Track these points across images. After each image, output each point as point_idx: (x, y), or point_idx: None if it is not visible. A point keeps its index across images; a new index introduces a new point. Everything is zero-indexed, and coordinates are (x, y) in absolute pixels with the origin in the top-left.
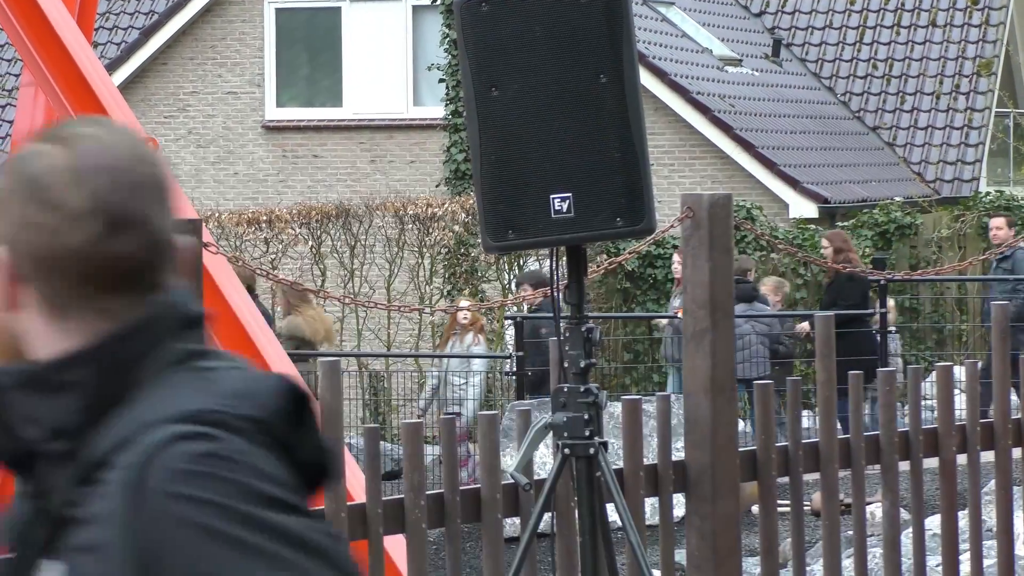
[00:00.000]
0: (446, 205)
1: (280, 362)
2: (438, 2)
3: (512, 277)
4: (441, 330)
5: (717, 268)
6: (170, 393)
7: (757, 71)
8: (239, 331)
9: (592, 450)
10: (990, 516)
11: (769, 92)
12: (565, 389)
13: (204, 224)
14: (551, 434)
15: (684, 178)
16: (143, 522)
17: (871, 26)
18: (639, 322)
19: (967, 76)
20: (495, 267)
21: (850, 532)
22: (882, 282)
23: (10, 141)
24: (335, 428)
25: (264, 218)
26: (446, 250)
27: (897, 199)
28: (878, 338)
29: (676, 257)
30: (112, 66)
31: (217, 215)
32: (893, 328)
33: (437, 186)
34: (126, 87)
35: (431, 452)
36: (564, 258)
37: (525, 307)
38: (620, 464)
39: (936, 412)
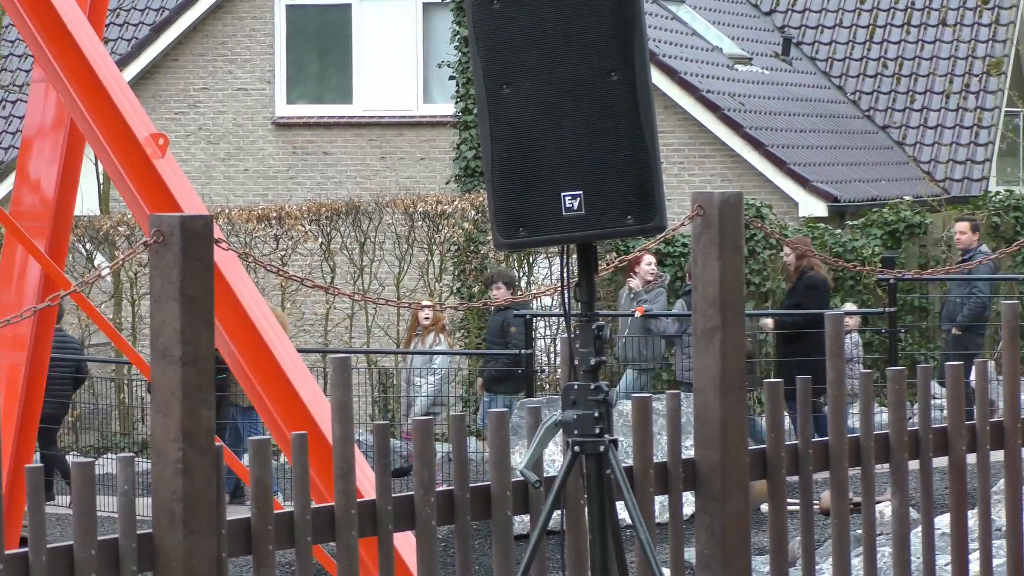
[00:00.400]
0: (456, 202)
1: (290, 358)
2: None
3: (522, 274)
4: (451, 327)
5: (727, 266)
6: None
7: (767, 70)
8: (248, 327)
9: (602, 448)
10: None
11: (779, 91)
12: (575, 387)
13: (215, 220)
14: (561, 432)
15: (694, 176)
16: None
17: (881, 25)
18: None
19: (977, 75)
20: (504, 264)
21: (859, 531)
22: (891, 281)
23: (21, 137)
24: (345, 424)
25: (274, 215)
26: (456, 247)
27: (907, 198)
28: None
29: (648, 258)
30: (123, 62)
31: (227, 212)
32: (854, 333)
33: (447, 183)
34: (137, 83)
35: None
36: (575, 256)
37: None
38: (630, 462)
39: (945, 411)
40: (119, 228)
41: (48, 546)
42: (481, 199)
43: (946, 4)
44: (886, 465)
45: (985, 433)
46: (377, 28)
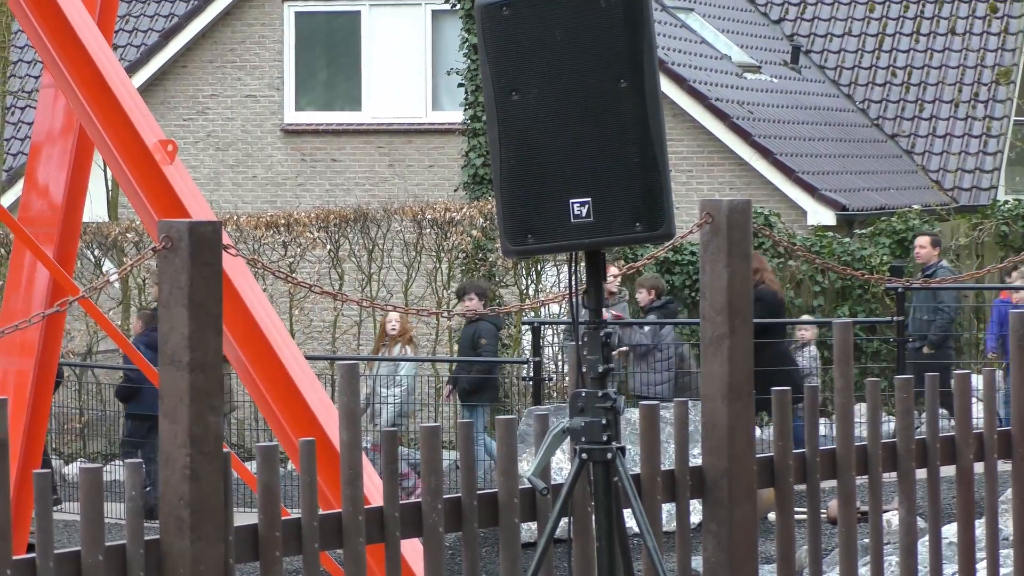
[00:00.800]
0: (464, 209)
1: (297, 364)
2: (457, 7)
3: (530, 281)
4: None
5: (735, 274)
6: None
7: (776, 78)
8: (256, 333)
9: (610, 455)
10: (1007, 525)
11: (788, 99)
12: (583, 394)
13: (223, 227)
14: (568, 439)
15: (702, 184)
16: None
17: (890, 33)
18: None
19: (986, 84)
20: (513, 272)
21: (866, 540)
22: (900, 289)
23: (30, 143)
24: (353, 430)
25: (282, 221)
26: (464, 255)
27: (915, 207)
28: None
29: (612, 271)
30: (132, 69)
31: (236, 218)
32: (812, 345)
33: (455, 190)
34: (146, 90)
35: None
36: (583, 263)
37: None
38: (637, 469)
39: (953, 420)
40: (128, 234)
41: (56, 552)
42: (490, 206)
43: (955, 13)
44: (893, 474)
45: (992, 442)
46: (386, 35)
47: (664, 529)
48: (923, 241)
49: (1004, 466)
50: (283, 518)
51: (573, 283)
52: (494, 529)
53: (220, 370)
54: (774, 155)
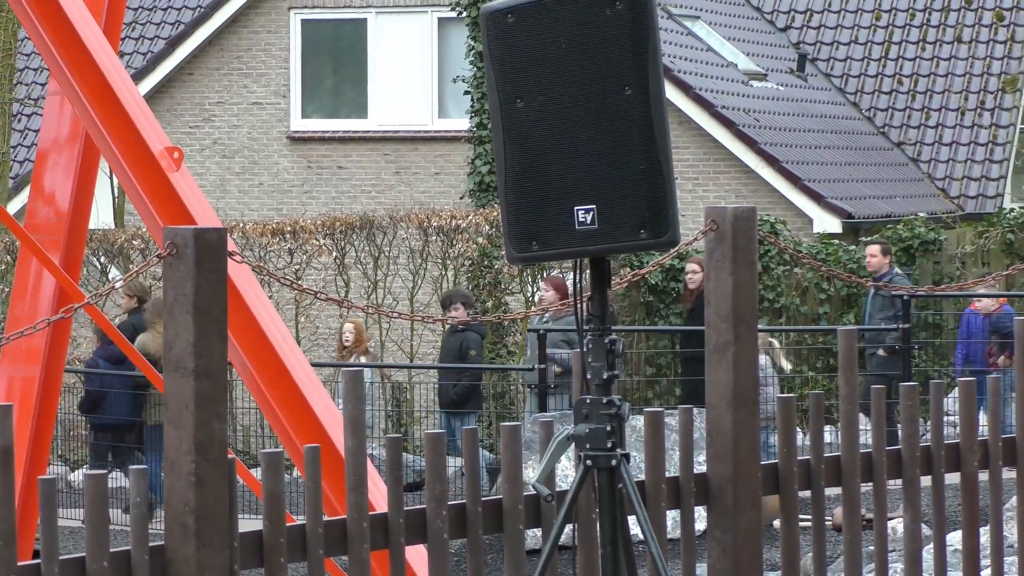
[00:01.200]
0: (470, 217)
1: (303, 371)
2: (464, 14)
3: (536, 289)
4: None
5: (740, 281)
6: None
7: (782, 86)
8: (262, 340)
9: (614, 462)
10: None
11: (794, 107)
12: (588, 401)
13: (229, 234)
14: (573, 446)
15: (708, 192)
16: None
17: (896, 42)
18: (662, 336)
19: (992, 92)
20: (519, 279)
21: (871, 547)
22: (905, 297)
23: (36, 150)
24: (358, 436)
25: (288, 229)
26: (470, 262)
27: (921, 215)
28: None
29: (543, 289)
30: (138, 76)
31: (242, 225)
32: (761, 354)
33: (461, 198)
34: (152, 97)
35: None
36: (588, 270)
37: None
38: (642, 476)
39: (958, 428)
40: (133, 242)
41: (60, 558)
42: (496, 214)
43: (961, 21)
44: (898, 481)
45: (997, 450)
46: (392, 43)
47: (669, 536)
48: (873, 250)
49: (1009, 473)
50: (288, 524)
51: (578, 290)
52: (499, 536)
53: (225, 377)
54: (780, 163)
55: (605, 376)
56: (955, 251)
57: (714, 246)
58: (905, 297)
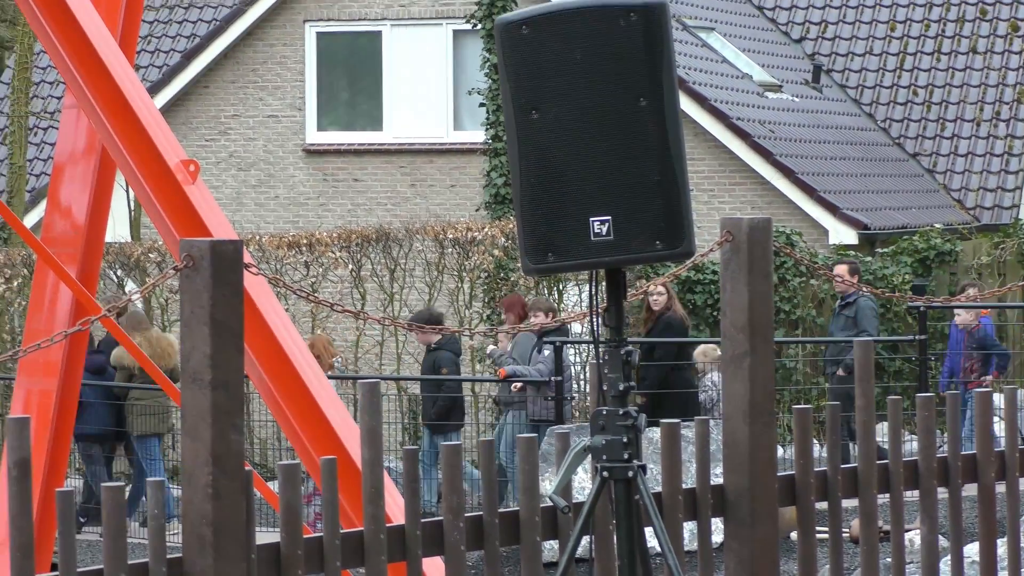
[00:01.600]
0: (486, 229)
1: (319, 383)
2: (479, 26)
3: (553, 301)
4: (480, 354)
5: (756, 292)
6: None
7: (797, 97)
8: (278, 352)
9: (631, 473)
10: None
11: (809, 118)
12: (604, 412)
13: (245, 247)
14: (590, 457)
15: (724, 203)
16: None
17: (911, 52)
18: None
19: (1008, 103)
20: (535, 292)
21: (888, 559)
22: (922, 308)
23: (53, 164)
24: (374, 448)
25: (304, 241)
26: (486, 274)
27: (937, 226)
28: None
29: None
30: (154, 89)
31: (258, 238)
32: (714, 371)
33: (477, 210)
34: (168, 110)
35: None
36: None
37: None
38: (658, 488)
39: (975, 439)
40: (150, 255)
41: (78, 570)
42: (511, 226)
43: (976, 31)
44: (915, 492)
45: (1014, 461)
46: (408, 55)
47: (686, 548)
48: (840, 269)
49: None
50: (305, 536)
51: (594, 302)
52: (516, 548)
53: (241, 388)
54: (796, 174)
55: (621, 388)
56: (971, 262)
57: (730, 257)
58: (922, 308)
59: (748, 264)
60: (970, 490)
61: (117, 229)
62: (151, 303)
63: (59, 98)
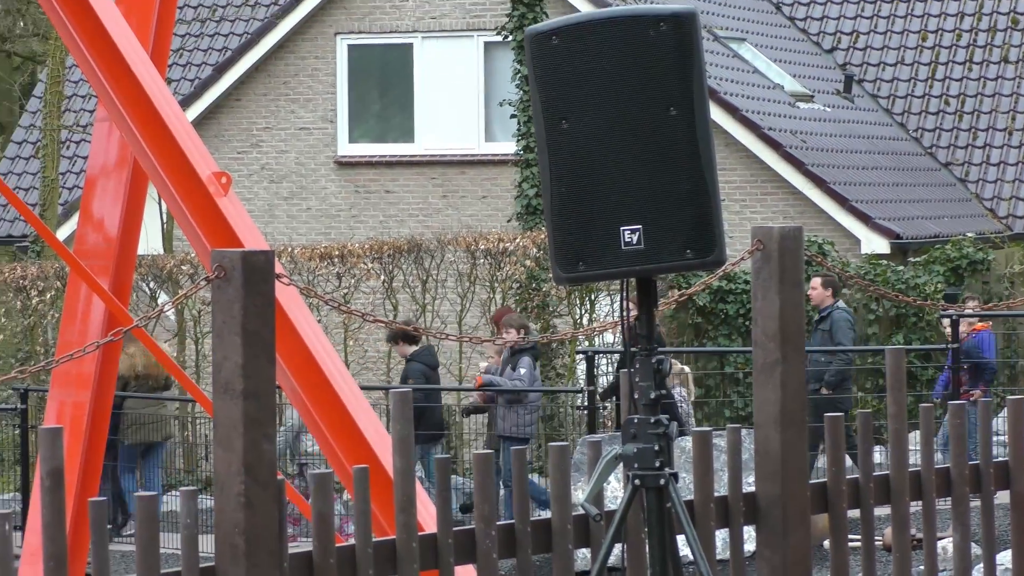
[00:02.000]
0: (517, 240)
1: (351, 393)
2: (509, 37)
3: (583, 311)
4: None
5: (787, 301)
6: None
7: (829, 107)
8: (311, 362)
9: (663, 481)
10: None
11: (841, 128)
12: (636, 420)
13: (277, 258)
14: (621, 465)
15: (756, 214)
16: None
17: (943, 62)
18: (710, 357)
19: None
20: (567, 301)
21: (921, 567)
22: (954, 317)
23: (85, 177)
24: (406, 457)
25: (336, 253)
26: (517, 285)
27: (969, 235)
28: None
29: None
30: (186, 102)
31: (290, 250)
32: (679, 387)
33: (508, 221)
34: (200, 123)
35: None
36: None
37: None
38: (690, 496)
39: (1008, 446)
40: (182, 267)
41: None
42: (543, 237)
43: (1008, 41)
44: (947, 500)
45: None
46: (439, 67)
47: (718, 556)
48: (815, 283)
49: None
50: (337, 545)
51: (625, 310)
52: (548, 556)
53: (274, 398)
54: (827, 184)
55: (652, 396)
56: (1003, 271)
57: (761, 266)
58: (954, 317)
59: (779, 273)
60: (1002, 497)
61: (150, 241)
62: (184, 315)
63: (91, 111)
